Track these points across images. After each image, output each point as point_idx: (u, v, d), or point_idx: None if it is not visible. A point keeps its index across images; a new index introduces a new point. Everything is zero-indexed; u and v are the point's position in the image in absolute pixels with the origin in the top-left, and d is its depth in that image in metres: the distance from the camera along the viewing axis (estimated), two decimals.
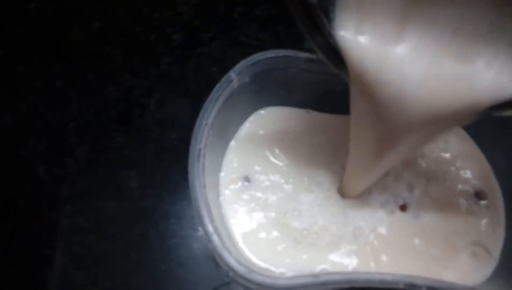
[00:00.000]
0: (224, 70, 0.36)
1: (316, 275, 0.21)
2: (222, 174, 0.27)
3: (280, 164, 0.27)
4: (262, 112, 0.29)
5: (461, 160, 0.28)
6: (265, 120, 0.29)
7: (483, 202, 0.27)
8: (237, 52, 0.37)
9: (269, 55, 0.26)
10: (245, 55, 0.37)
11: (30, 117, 0.34)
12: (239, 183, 0.26)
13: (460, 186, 0.27)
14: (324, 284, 0.21)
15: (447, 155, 0.28)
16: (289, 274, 0.24)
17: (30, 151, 0.32)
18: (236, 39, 0.37)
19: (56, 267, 0.28)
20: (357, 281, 0.21)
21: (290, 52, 0.26)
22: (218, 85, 0.25)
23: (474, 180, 0.27)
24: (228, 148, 0.28)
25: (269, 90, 0.29)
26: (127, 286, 0.28)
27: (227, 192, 0.26)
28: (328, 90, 0.27)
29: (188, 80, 0.35)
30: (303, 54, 0.26)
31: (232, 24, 0.38)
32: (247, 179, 0.27)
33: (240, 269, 0.20)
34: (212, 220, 0.22)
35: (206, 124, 0.24)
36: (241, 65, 0.26)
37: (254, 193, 0.26)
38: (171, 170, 0.31)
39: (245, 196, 0.26)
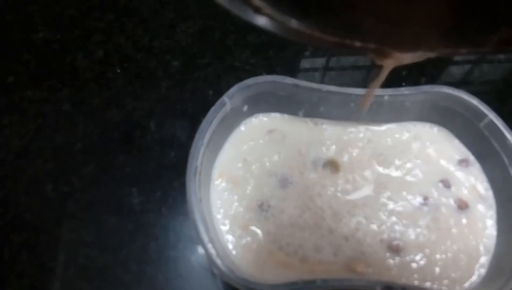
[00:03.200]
0: (219, 93, 0.39)
1: (305, 281, 0.23)
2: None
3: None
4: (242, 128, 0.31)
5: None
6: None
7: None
8: (231, 76, 0.40)
9: (259, 81, 0.29)
10: (238, 79, 0.40)
11: (38, 139, 0.36)
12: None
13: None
14: (310, 288, 0.23)
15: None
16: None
17: (39, 170, 0.34)
18: (230, 64, 0.40)
19: (61, 278, 0.30)
20: (341, 285, 0.23)
21: (278, 78, 0.29)
22: (212, 109, 0.28)
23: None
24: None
25: (259, 111, 0.31)
26: None
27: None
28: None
29: (186, 102, 0.38)
30: (289, 80, 0.29)
31: (227, 50, 0.41)
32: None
33: (232, 276, 0.23)
34: (207, 231, 0.24)
35: (202, 144, 0.26)
36: (234, 90, 0.28)
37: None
38: (170, 186, 0.34)
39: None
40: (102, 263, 0.31)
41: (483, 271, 0.26)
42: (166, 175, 0.34)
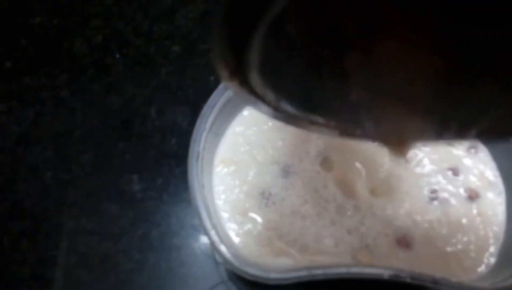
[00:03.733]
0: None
1: (308, 268, 0.22)
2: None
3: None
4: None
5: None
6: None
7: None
8: None
9: None
10: None
11: (37, 126, 0.35)
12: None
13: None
14: (314, 276, 0.22)
15: None
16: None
17: (38, 158, 0.34)
18: None
19: (62, 266, 0.30)
20: (347, 273, 0.22)
21: None
22: (215, 93, 0.27)
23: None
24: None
25: None
26: (130, 284, 0.29)
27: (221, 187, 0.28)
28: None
29: (186, 89, 0.37)
30: None
31: None
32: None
33: (235, 262, 0.22)
34: (210, 217, 0.23)
35: (204, 129, 0.26)
36: None
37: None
38: (172, 173, 0.33)
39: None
40: (103, 252, 0.30)
41: (492, 260, 0.25)
42: (167, 163, 0.34)
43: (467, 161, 0.29)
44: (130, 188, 0.33)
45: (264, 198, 0.27)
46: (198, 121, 0.26)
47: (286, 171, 0.28)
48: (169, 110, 0.36)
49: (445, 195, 0.27)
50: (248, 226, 0.26)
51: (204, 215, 0.23)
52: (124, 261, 0.30)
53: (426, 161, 0.29)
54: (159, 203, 0.32)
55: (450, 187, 0.27)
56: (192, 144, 0.25)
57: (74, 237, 0.31)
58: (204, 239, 0.30)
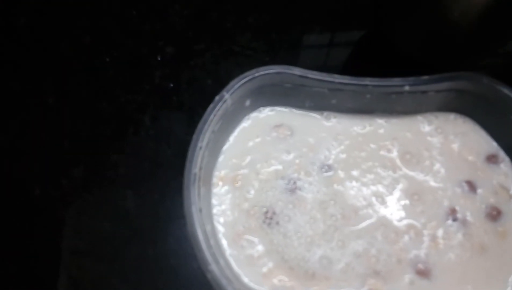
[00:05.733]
0: (218, 81, 0.36)
1: None
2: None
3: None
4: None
5: None
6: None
7: None
8: (231, 62, 0.36)
9: (262, 72, 0.25)
10: (239, 65, 0.37)
11: (23, 135, 0.33)
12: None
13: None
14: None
15: None
16: None
17: (25, 172, 0.32)
18: (229, 49, 0.37)
19: None
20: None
21: (284, 68, 0.26)
22: (211, 106, 0.25)
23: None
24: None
25: (264, 105, 0.28)
26: None
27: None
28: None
29: (182, 93, 0.35)
30: (297, 71, 0.26)
31: (225, 34, 0.37)
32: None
33: None
34: (209, 247, 0.21)
35: (200, 147, 0.23)
36: (234, 83, 0.25)
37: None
38: (168, 187, 0.31)
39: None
40: (96, 274, 0.29)
41: None
42: (163, 175, 0.31)
43: (486, 172, 0.26)
44: (124, 204, 0.30)
45: (267, 217, 0.25)
46: (194, 138, 0.24)
47: (291, 186, 0.26)
48: (164, 116, 0.34)
49: (464, 216, 0.25)
50: (250, 249, 0.24)
51: (203, 245, 0.21)
52: (119, 284, 0.28)
53: (441, 172, 0.27)
54: (155, 220, 0.30)
55: (470, 206, 0.25)
56: (188, 165, 0.23)
57: (65, 259, 0.29)
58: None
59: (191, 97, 0.34)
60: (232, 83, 0.25)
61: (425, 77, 0.26)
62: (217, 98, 0.25)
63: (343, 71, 0.26)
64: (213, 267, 0.20)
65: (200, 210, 0.22)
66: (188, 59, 0.36)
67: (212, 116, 0.24)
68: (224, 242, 0.24)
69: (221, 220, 0.25)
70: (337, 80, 0.25)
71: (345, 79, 0.25)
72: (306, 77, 0.25)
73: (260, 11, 0.38)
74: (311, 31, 0.39)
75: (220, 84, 0.27)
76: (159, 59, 0.36)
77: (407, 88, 0.26)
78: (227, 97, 0.25)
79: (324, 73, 0.26)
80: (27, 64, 0.36)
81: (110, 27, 0.37)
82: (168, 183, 0.31)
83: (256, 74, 0.25)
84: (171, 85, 0.35)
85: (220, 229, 0.24)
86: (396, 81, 0.26)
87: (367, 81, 0.25)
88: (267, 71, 0.25)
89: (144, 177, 0.31)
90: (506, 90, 0.25)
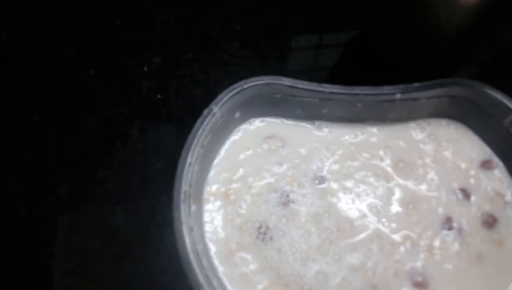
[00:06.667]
0: (207, 91, 0.35)
1: None
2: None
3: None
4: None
5: None
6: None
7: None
8: (220, 71, 0.35)
9: (251, 84, 0.25)
10: (228, 74, 0.36)
11: (7, 153, 0.32)
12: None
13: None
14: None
15: None
16: None
17: (10, 191, 0.31)
18: (218, 57, 0.36)
19: None
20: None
21: (273, 79, 0.25)
22: (200, 120, 0.24)
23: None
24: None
25: (254, 116, 0.28)
26: None
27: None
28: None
29: (170, 104, 0.34)
30: (287, 81, 0.25)
31: (213, 42, 0.37)
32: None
33: None
34: (201, 268, 0.21)
35: (190, 163, 0.23)
36: (222, 95, 0.25)
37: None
38: (158, 202, 0.30)
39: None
40: None
41: None
42: (152, 190, 0.31)
43: (480, 179, 0.26)
44: (113, 221, 0.30)
45: (261, 233, 0.25)
46: (183, 154, 0.23)
47: (284, 199, 0.26)
48: (152, 129, 0.33)
49: (460, 225, 0.24)
50: (243, 266, 0.24)
51: (195, 266, 0.20)
52: None
53: (435, 180, 0.26)
54: (146, 237, 0.29)
55: (465, 214, 0.25)
56: (177, 183, 0.22)
57: (56, 280, 0.28)
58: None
59: (180, 108, 0.34)
60: (220, 96, 0.24)
61: (416, 84, 0.26)
62: (205, 111, 0.24)
63: (332, 75, 0.26)
64: (205, 288, 0.20)
65: (191, 229, 0.22)
66: (176, 69, 0.35)
67: (201, 130, 0.23)
68: (216, 261, 0.23)
69: (214, 238, 0.24)
70: (327, 90, 0.25)
71: (336, 89, 0.25)
72: (296, 87, 0.25)
73: (247, 19, 0.38)
74: (300, 35, 0.38)
75: (209, 94, 0.26)
76: (145, 69, 0.35)
77: (398, 96, 0.25)
78: (216, 110, 0.24)
79: (314, 83, 0.25)
80: (9, 79, 0.35)
81: (94, 38, 0.37)
82: (158, 197, 0.30)
83: (245, 86, 0.25)
84: (159, 96, 0.34)
85: (212, 247, 0.24)
86: (387, 89, 0.25)
87: (357, 90, 0.25)
88: (256, 82, 0.25)
89: (133, 192, 0.31)
90: (497, 95, 0.25)
